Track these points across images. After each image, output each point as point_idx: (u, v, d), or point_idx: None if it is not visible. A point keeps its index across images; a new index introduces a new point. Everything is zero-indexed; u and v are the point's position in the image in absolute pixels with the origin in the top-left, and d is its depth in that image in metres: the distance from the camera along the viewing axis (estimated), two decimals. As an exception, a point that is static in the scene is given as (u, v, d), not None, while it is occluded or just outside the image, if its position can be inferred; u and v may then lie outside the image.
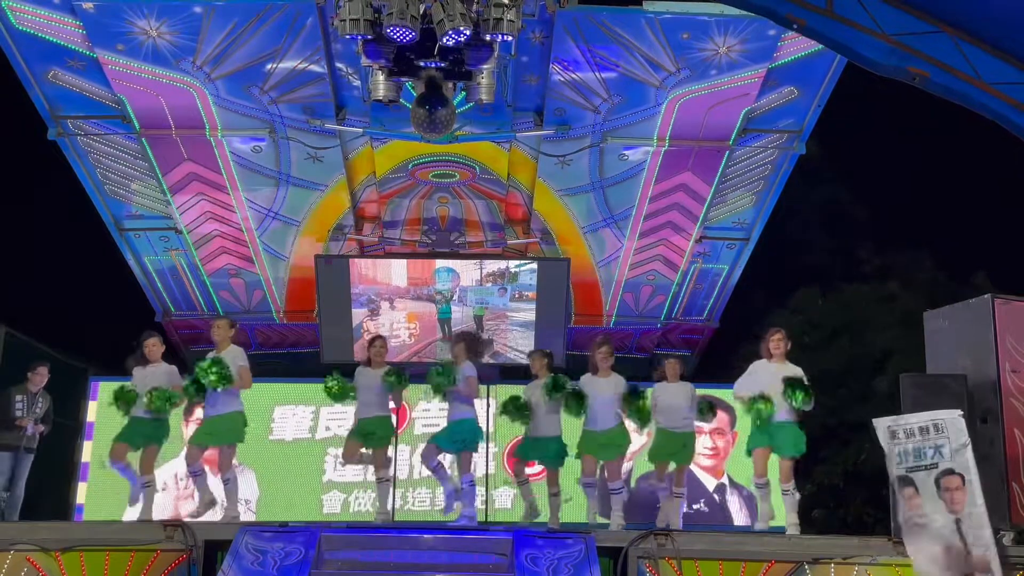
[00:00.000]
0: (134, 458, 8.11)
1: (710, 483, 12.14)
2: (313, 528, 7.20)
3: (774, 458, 8.21)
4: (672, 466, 8.59)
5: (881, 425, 6.95)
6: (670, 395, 8.51)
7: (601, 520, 8.61)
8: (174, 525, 6.92)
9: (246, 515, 11.35)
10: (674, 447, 8.45)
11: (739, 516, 12.17)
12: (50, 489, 10.49)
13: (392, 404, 8.49)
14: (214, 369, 7.81)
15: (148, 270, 12.88)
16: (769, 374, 8.08)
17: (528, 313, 12.46)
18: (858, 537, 7.34)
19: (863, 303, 16.20)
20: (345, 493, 11.68)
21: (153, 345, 8.25)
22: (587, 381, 8.40)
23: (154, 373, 8.15)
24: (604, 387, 8.29)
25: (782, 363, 8.16)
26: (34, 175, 14.83)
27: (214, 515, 8.17)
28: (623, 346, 13.48)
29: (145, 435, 8.06)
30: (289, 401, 12.03)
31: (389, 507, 8.69)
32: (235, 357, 8.08)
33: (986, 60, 5.98)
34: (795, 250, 17.69)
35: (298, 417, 11.96)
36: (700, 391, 9.03)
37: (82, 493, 11.71)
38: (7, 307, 11.31)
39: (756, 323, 16.43)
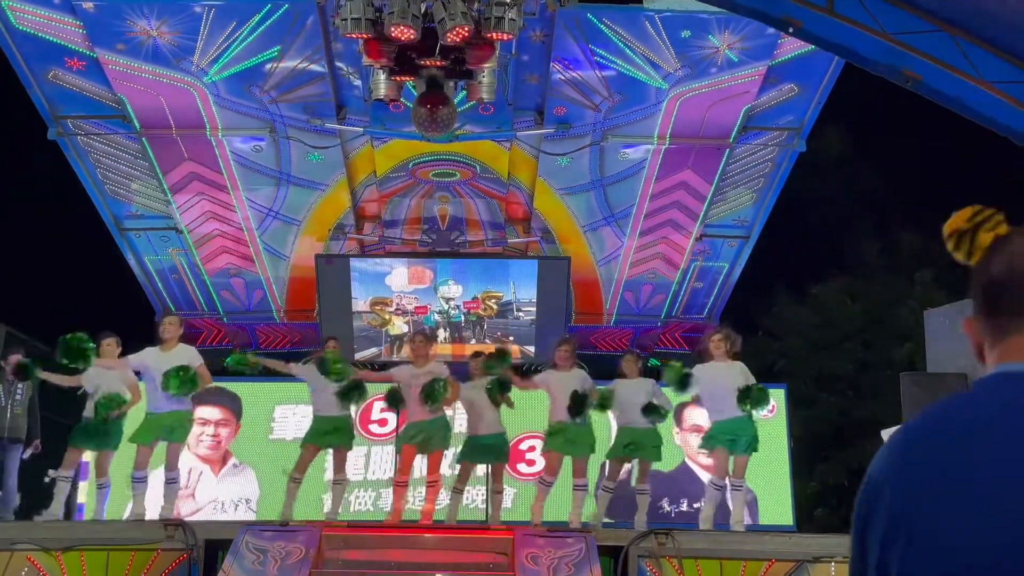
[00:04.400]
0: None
1: (711, 482, 12.14)
2: (314, 527, 7.20)
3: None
4: (630, 464, 8.52)
5: (889, 434, 6.95)
6: (627, 391, 8.41)
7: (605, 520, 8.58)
8: (175, 524, 6.92)
9: (247, 514, 11.35)
10: (636, 444, 8.34)
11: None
12: (50, 488, 10.45)
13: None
14: (174, 381, 7.66)
15: (148, 270, 12.87)
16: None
17: (528, 313, 12.47)
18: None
19: (879, 299, 16.18)
20: (345, 493, 11.67)
21: (108, 346, 8.12)
22: (552, 377, 8.34)
23: (108, 373, 8.08)
24: (570, 382, 8.23)
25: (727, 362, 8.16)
26: (34, 175, 14.83)
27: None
28: (623, 345, 13.48)
29: (96, 439, 8.00)
30: (289, 400, 12.01)
31: (341, 509, 8.58)
32: (191, 358, 7.94)
33: (987, 59, 5.98)
34: (807, 242, 17.68)
35: (298, 416, 11.93)
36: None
37: (82, 492, 11.69)
38: (7, 307, 11.31)
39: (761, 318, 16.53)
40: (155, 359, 7.89)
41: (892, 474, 1.28)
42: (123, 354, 8.19)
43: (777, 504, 11.99)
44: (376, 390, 10.87)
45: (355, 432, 8.56)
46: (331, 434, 8.26)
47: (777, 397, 12.36)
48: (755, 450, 8.02)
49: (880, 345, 15.58)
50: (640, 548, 6.79)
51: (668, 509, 11.44)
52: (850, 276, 16.91)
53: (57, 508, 7.96)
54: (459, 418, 9.37)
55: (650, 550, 6.77)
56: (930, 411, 1.34)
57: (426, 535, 7.44)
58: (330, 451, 8.52)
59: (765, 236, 12.70)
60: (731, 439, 7.90)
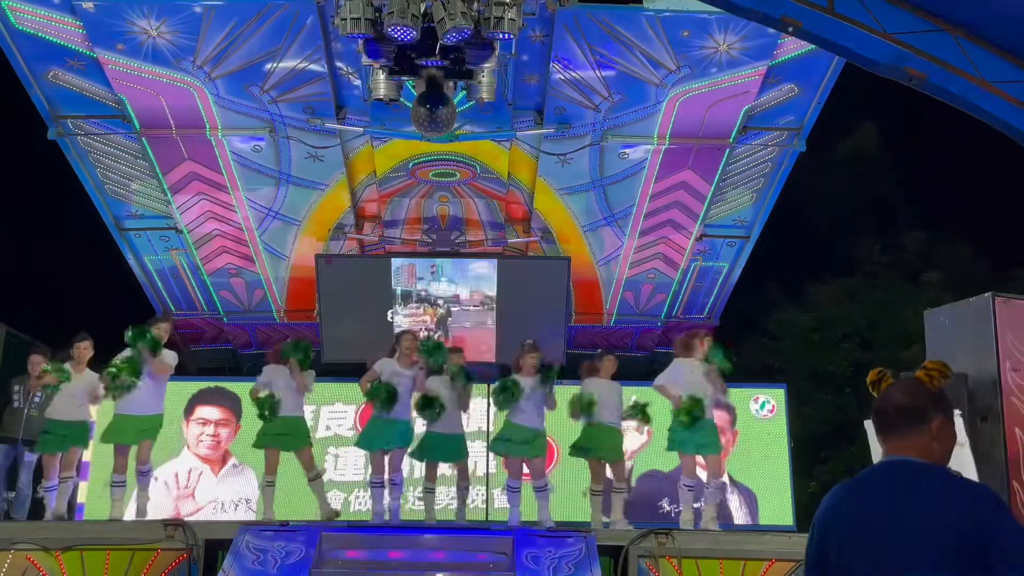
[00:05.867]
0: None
1: (711, 482, 12.15)
2: (314, 527, 7.21)
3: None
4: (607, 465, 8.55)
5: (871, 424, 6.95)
6: (598, 390, 8.41)
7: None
8: (175, 524, 6.91)
9: (247, 514, 11.35)
10: (601, 442, 8.36)
11: (739, 515, 12.17)
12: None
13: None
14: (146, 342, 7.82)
15: (148, 270, 12.88)
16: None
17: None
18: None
19: (881, 300, 16.16)
20: (345, 492, 11.67)
21: (84, 348, 8.19)
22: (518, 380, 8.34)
23: (79, 378, 8.12)
24: (534, 385, 8.26)
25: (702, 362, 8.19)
26: (34, 175, 14.83)
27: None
28: (623, 345, 13.49)
29: (66, 438, 8.03)
30: (289, 400, 12.00)
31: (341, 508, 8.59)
32: (170, 361, 8.10)
33: (987, 59, 5.97)
34: (812, 243, 17.64)
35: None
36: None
37: (83, 492, 11.69)
38: (7, 307, 11.30)
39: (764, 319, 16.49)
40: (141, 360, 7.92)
41: (834, 514, 2.62)
42: (95, 357, 8.24)
43: (777, 504, 11.99)
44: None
45: (307, 432, 8.48)
46: (284, 436, 8.19)
47: (777, 397, 12.38)
48: (716, 451, 8.10)
49: (882, 345, 15.55)
50: (640, 548, 6.79)
51: (668, 509, 11.43)
52: (851, 276, 16.89)
53: (49, 516, 7.99)
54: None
55: (650, 550, 6.77)
56: (859, 479, 2.67)
57: (426, 535, 7.44)
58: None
59: (765, 236, 12.71)
60: (699, 442, 7.96)
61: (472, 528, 7.90)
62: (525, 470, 8.47)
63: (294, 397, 8.25)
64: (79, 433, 8.15)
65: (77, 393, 8.13)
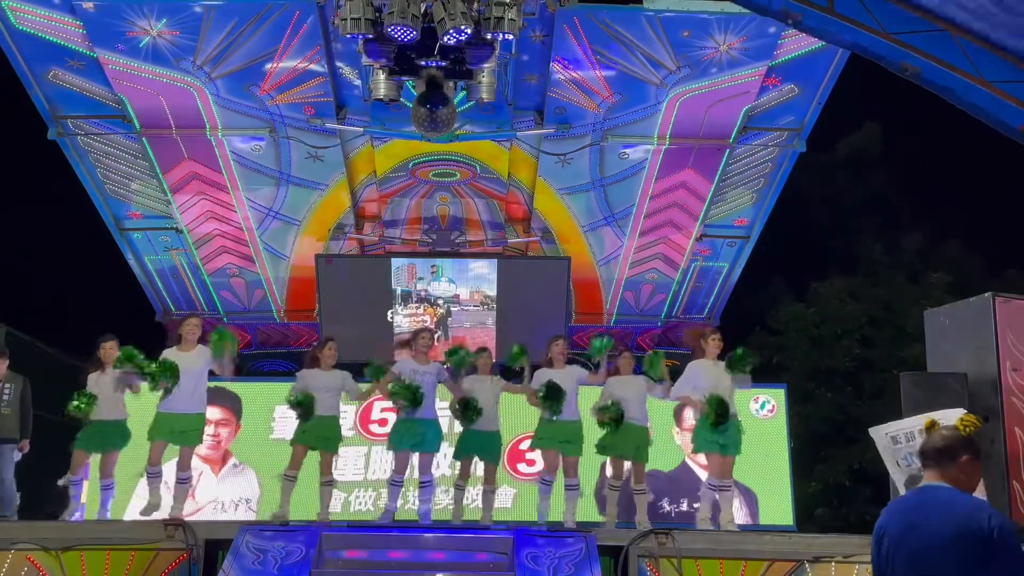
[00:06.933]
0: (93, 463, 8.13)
1: (711, 482, 12.13)
2: (314, 527, 7.20)
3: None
4: (627, 464, 8.53)
5: (879, 433, 6.95)
6: (622, 389, 8.41)
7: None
8: (175, 524, 6.91)
9: (247, 514, 11.35)
10: (628, 442, 8.32)
11: (740, 514, 12.15)
12: (51, 488, 10.45)
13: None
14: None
15: (148, 270, 12.89)
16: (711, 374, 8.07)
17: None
18: (859, 536, 7.31)
19: (880, 297, 16.16)
20: (345, 492, 11.65)
21: (110, 348, 8.14)
22: (547, 375, 8.28)
23: (109, 376, 8.09)
24: (564, 378, 8.22)
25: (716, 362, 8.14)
26: (34, 175, 14.85)
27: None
28: (623, 344, 13.48)
29: (103, 439, 8.03)
30: (289, 400, 11.99)
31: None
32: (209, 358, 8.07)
33: (987, 59, 5.97)
34: (815, 240, 17.64)
35: (299, 416, 11.93)
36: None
37: (83, 492, 11.68)
38: (7, 307, 11.31)
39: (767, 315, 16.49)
40: (173, 359, 7.90)
41: (888, 529, 3.49)
42: None
43: (777, 504, 11.97)
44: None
45: (340, 436, 8.43)
46: (323, 438, 8.16)
47: (777, 397, 12.37)
48: (737, 452, 8.06)
49: (883, 343, 15.56)
50: (640, 548, 6.78)
51: (668, 509, 11.43)
52: (852, 275, 16.89)
53: (74, 508, 7.99)
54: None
55: (650, 550, 6.76)
56: (905, 498, 3.74)
57: (426, 535, 7.44)
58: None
59: (767, 233, 12.71)
60: (722, 443, 7.91)
61: (472, 528, 7.89)
62: (527, 468, 8.47)
63: (329, 399, 8.22)
64: (117, 432, 8.09)
65: (112, 393, 8.10)
